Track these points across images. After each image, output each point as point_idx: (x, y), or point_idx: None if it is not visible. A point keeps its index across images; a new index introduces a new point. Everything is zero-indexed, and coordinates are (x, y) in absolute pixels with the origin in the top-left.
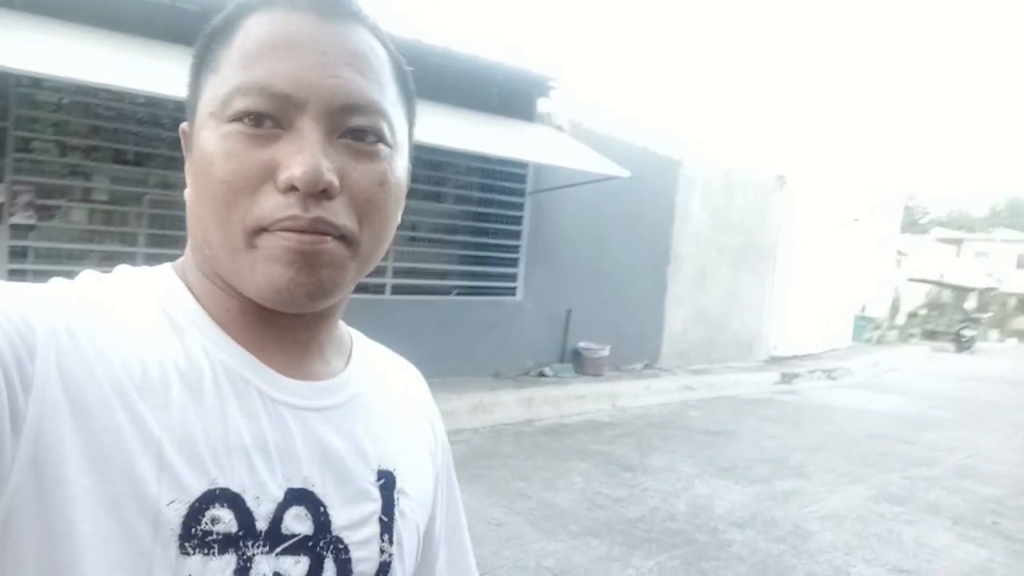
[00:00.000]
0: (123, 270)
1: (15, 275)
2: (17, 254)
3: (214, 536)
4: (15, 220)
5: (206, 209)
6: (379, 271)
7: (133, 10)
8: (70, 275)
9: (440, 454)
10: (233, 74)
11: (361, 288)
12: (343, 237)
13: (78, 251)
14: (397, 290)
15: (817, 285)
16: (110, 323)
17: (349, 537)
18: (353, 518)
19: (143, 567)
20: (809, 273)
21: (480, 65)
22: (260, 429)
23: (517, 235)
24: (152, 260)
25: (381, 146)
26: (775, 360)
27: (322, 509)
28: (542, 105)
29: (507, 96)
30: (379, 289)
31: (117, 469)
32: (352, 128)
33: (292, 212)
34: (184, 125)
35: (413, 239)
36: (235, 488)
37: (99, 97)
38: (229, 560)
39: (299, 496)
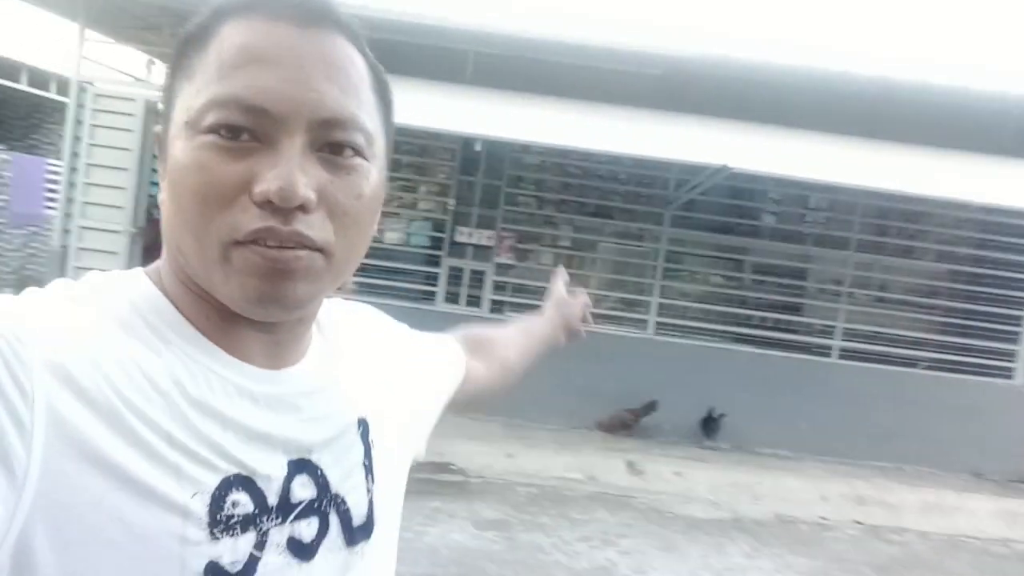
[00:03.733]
0: (94, 277)
1: (496, 305)
2: (499, 287)
3: (236, 518)
4: (500, 260)
5: (180, 219)
6: (825, 331)
7: (598, 79)
8: (536, 309)
9: (415, 375)
10: (208, 84)
11: (802, 348)
12: (319, 249)
13: (545, 288)
14: (847, 354)
15: None
16: (94, 336)
17: (345, 490)
18: (344, 473)
19: (176, 559)
20: None
21: (971, 97)
22: (253, 420)
23: (1019, 303)
24: (602, 302)
25: (359, 160)
26: None
27: (320, 473)
28: None
29: (1015, 131)
30: (824, 351)
31: (134, 477)
32: (330, 142)
33: (268, 224)
34: (158, 129)
35: (880, 300)
36: (246, 473)
37: (569, 158)
38: (250, 537)
39: (300, 466)
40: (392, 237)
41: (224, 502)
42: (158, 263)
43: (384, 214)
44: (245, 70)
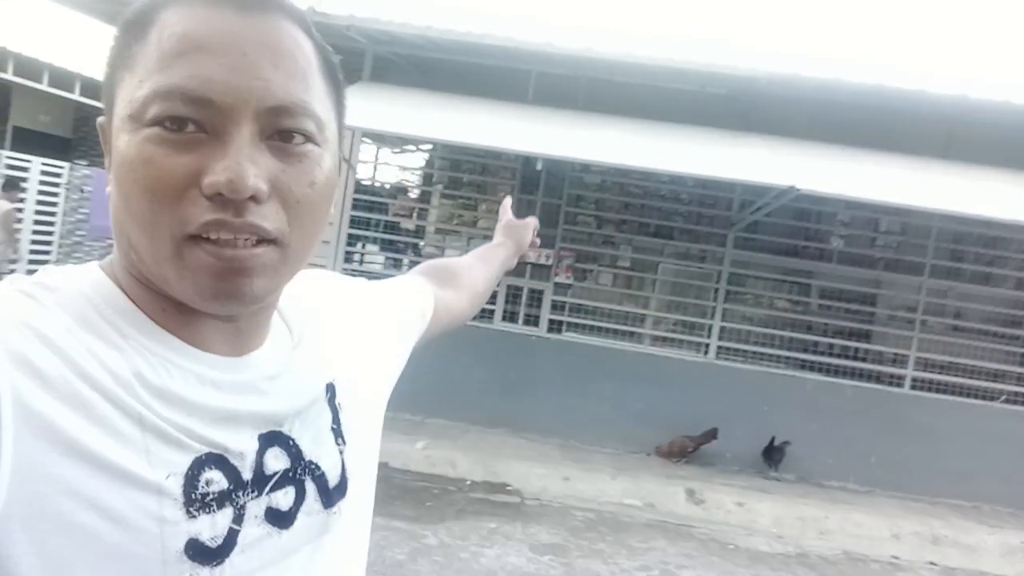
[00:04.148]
0: (49, 272)
1: (554, 324)
2: (557, 307)
3: (211, 495)
4: (558, 279)
5: (129, 215)
6: (898, 360)
7: (662, 99)
8: (594, 329)
9: (374, 321)
10: (150, 75)
11: (873, 377)
12: (274, 241)
13: (603, 308)
14: (920, 384)
15: None
16: (55, 331)
17: (317, 456)
18: (315, 440)
19: (156, 540)
20: None
21: None
22: (218, 403)
23: None
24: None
25: (310, 146)
26: None
27: (292, 443)
28: None
29: None
30: (896, 381)
31: (107, 462)
32: (280, 130)
33: (219, 217)
34: (101, 120)
35: (956, 328)
36: (217, 451)
37: (631, 177)
38: (227, 512)
39: (271, 439)
40: (452, 255)
41: (198, 481)
42: (110, 258)
43: (445, 231)
44: (187, 59)
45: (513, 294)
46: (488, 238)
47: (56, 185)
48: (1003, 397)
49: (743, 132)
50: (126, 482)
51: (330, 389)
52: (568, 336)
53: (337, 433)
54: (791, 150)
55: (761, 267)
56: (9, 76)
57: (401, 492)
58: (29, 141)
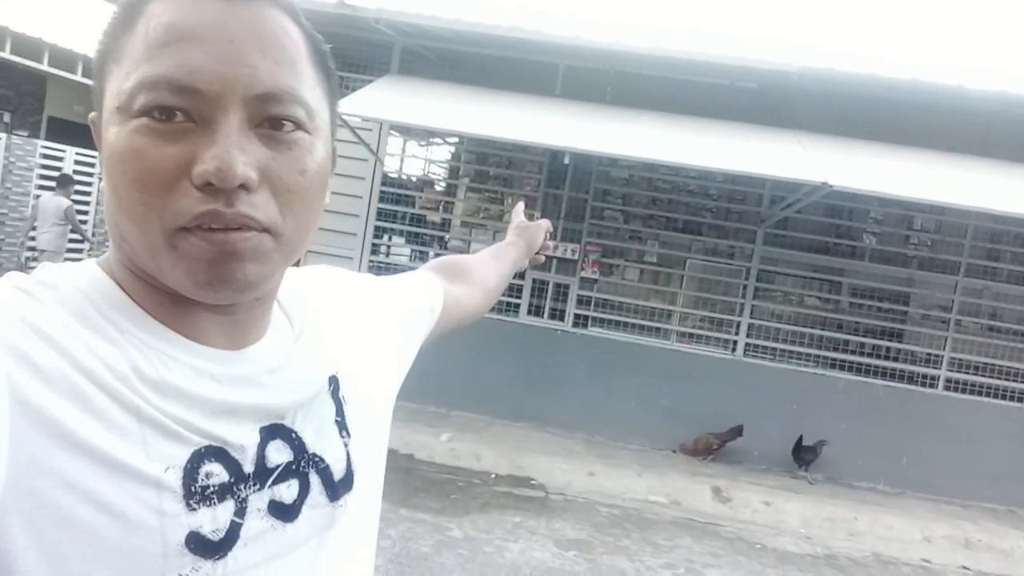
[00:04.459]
0: (47, 268)
1: (579, 319)
2: (582, 301)
3: (212, 488)
4: (584, 274)
5: (121, 208)
6: (931, 360)
7: (692, 93)
8: (620, 324)
9: (379, 316)
10: (137, 66)
11: (905, 377)
12: (266, 229)
13: (629, 304)
14: (954, 385)
15: None
16: (52, 326)
17: (321, 448)
18: (319, 432)
19: (156, 533)
20: None
21: None
22: (217, 396)
23: None
24: (688, 321)
25: (300, 134)
26: None
27: (294, 435)
28: None
29: None
30: (929, 381)
31: (106, 455)
32: (269, 117)
33: (210, 207)
34: (93, 115)
35: (991, 329)
36: (217, 444)
37: (658, 172)
38: (229, 505)
39: (273, 432)
40: (478, 248)
41: (197, 474)
42: (107, 254)
43: (471, 225)
44: (173, 48)
45: (539, 288)
46: None
47: (90, 175)
48: None
49: (774, 127)
50: (125, 475)
51: (333, 382)
52: (594, 331)
53: (341, 426)
54: (823, 146)
55: (791, 264)
56: (44, 67)
57: (426, 484)
58: (64, 131)
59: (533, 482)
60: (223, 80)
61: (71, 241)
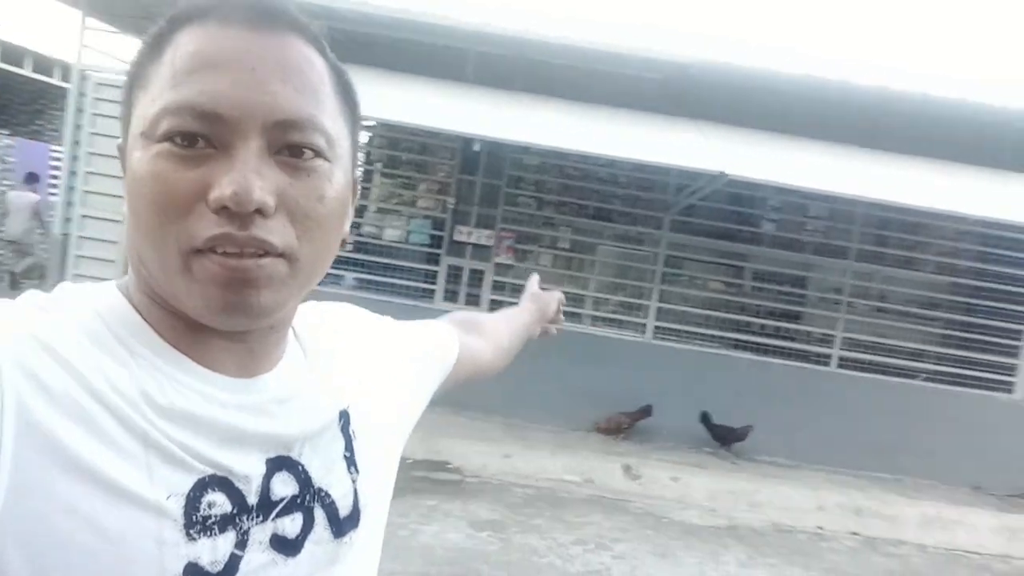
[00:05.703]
0: (66, 288)
1: (495, 304)
2: (498, 287)
3: (213, 519)
4: (499, 260)
5: (140, 231)
6: (825, 340)
7: (600, 82)
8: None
9: (395, 356)
10: (162, 93)
11: (801, 356)
12: (281, 255)
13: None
14: (846, 363)
15: None
16: (64, 346)
17: (328, 483)
18: (326, 467)
19: (154, 562)
20: None
21: (969, 110)
22: (225, 424)
23: (1020, 317)
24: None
25: (319, 161)
26: None
27: (301, 468)
28: None
29: (1015, 146)
30: (823, 360)
31: (108, 479)
32: (288, 144)
33: (225, 231)
34: (119, 143)
35: (880, 310)
36: (221, 473)
37: (569, 160)
38: (230, 537)
39: (279, 463)
40: (392, 234)
41: (199, 503)
42: (126, 278)
43: (384, 211)
44: (197, 75)
45: (454, 274)
46: (428, 217)
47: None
48: (923, 376)
49: (677, 117)
50: (125, 501)
51: (344, 416)
52: None
53: (350, 461)
54: (723, 136)
55: (697, 250)
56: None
57: None
58: None
59: (449, 466)
60: (243, 106)
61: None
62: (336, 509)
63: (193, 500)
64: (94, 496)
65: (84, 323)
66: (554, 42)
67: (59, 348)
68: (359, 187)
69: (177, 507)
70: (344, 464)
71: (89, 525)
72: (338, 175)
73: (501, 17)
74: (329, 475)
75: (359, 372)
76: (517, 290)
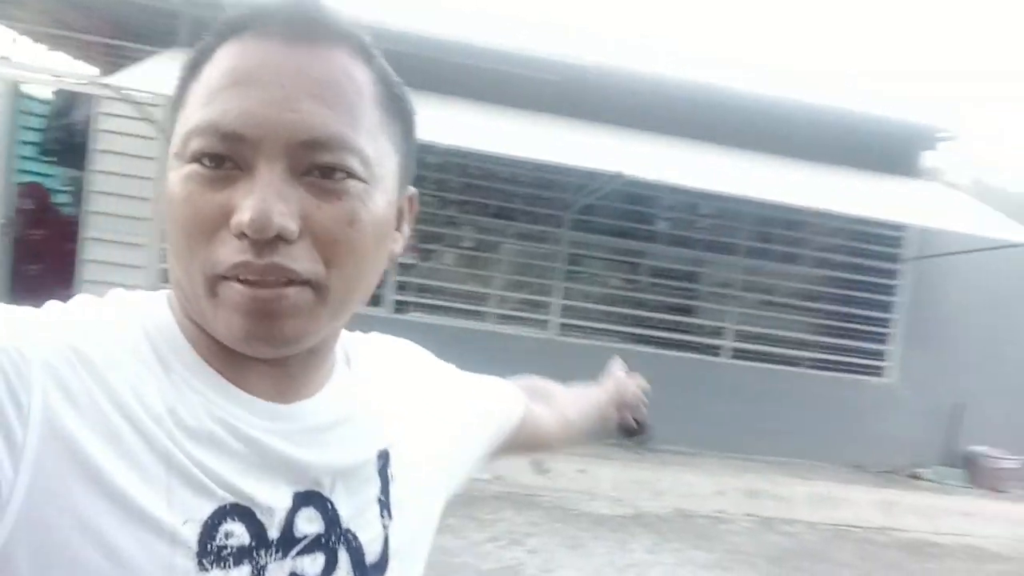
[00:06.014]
0: (118, 295)
1: (400, 304)
2: (402, 287)
3: (229, 550)
4: (401, 259)
5: (173, 252)
6: (716, 332)
7: (499, 82)
8: (439, 309)
9: (452, 406)
10: (195, 112)
11: (696, 348)
12: (307, 283)
13: (448, 288)
14: (737, 354)
15: None
16: (100, 356)
17: (357, 526)
18: (357, 508)
19: None
20: None
21: (843, 115)
22: (255, 450)
23: (888, 307)
24: (505, 303)
25: (351, 182)
26: None
27: (330, 506)
28: (928, 160)
29: (881, 150)
30: (713, 351)
31: (126, 497)
32: (317, 165)
33: (244, 259)
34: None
35: (767, 303)
36: (243, 503)
37: (471, 159)
38: (244, 571)
39: (307, 499)
40: None
41: (216, 532)
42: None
43: None
44: (228, 93)
45: None
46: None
47: None
48: (806, 363)
49: (576, 119)
50: (140, 522)
51: (383, 457)
52: (414, 316)
53: (384, 505)
54: (619, 137)
55: (597, 248)
56: None
57: None
58: None
59: None
60: (266, 126)
61: None
62: (363, 554)
63: (210, 528)
64: (109, 513)
65: (125, 335)
66: (451, 40)
67: (94, 359)
68: (416, 204)
69: (193, 534)
70: (377, 507)
71: (99, 543)
72: (376, 197)
73: (399, 14)
74: (359, 517)
75: (408, 414)
76: (422, 290)
